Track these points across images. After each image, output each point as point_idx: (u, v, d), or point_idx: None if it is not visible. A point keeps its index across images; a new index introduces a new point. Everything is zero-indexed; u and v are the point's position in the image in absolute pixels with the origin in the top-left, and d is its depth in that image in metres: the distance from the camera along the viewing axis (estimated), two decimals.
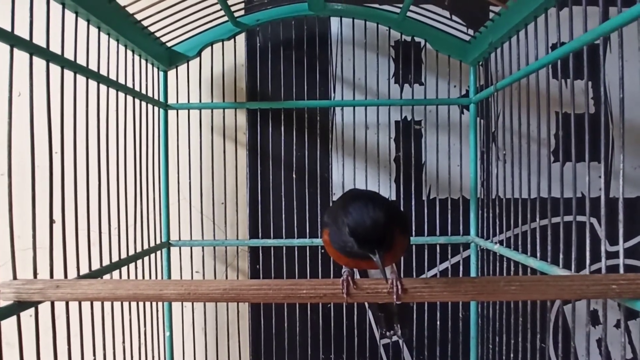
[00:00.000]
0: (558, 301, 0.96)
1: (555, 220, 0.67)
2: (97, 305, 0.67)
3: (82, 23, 0.66)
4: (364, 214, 0.45)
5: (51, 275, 0.56)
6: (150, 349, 0.87)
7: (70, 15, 0.63)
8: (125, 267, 0.77)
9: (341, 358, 1.06)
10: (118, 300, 0.51)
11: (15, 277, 0.51)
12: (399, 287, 0.49)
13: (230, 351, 1.04)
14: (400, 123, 1.07)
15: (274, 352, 1.05)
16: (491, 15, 0.88)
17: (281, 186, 1.03)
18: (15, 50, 0.51)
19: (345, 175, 1.07)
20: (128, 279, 0.76)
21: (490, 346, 0.94)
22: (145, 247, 0.86)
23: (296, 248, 1.02)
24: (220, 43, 0.99)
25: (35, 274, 0.54)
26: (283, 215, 1.03)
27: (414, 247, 1.01)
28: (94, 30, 0.69)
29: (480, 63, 0.98)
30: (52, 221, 0.56)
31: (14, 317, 0.50)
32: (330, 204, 0.99)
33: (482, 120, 1.02)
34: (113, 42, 0.75)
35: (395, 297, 0.48)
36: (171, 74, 0.99)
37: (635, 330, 1.04)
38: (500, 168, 0.86)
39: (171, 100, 0.99)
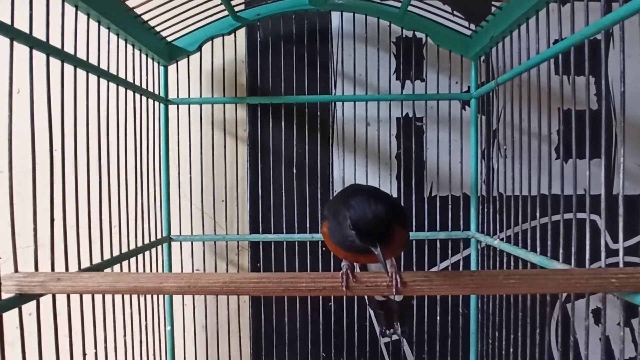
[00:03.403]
0: (559, 300, 0.96)
1: (555, 217, 0.67)
2: (98, 299, 0.68)
3: (82, 17, 0.66)
4: (366, 208, 0.45)
5: (52, 270, 0.56)
6: (151, 343, 0.87)
7: (70, 9, 0.63)
8: (126, 261, 0.77)
9: (341, 355, 1.06)
10: (119, 293, 0.51)
11: (16, 271, 0.52)
12: (398, 280, 0.49)
13: (230, 347, 1.04)
14: (401, 120, 1.07)
15: (274, 348, 1.05)
16: (492, 9, 0.87)
17: (282, 181, 1.03)
18: (15, 43, 0.51)
19: (346, 171, 1.07)
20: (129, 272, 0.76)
21: (490, 341, 0.94)
22: (146, 241, 0.86)
23: (297, 243, 1.02)
24: (221, 38, 0.98)
25: (36, 269, 0.54)
26: (283, 211, 1.03)
27: (414, 243, 1.01)
28: (94, 24, 0.69)
29: (482, 58, 0.98)
30: (52, 219, 0.57)
31: (16, 310, 0.50)
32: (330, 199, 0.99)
33: (483, 117, 1.02)
34: (113, 37, 0.75)
35: (394, 290, 0.48)
36: (171, 68, 0.99)
37: (638, 328, 1.04)
38: (501, 165, 0.85)
39: (171, 95, 0.99)
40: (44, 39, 0.56)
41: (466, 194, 1.05)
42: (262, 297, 1.05)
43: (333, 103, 1.07)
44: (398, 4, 0.94)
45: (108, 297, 0.71)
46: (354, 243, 0.47)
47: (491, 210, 0.94)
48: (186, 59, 0.99)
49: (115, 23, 0.71)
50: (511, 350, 0.81)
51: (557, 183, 0.63)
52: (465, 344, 1.03)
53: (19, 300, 0.50)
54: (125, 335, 0.77)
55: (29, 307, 0.51)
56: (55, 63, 0.59)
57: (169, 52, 0.96)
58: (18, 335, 0.50)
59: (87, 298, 0.64)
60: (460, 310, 1.06)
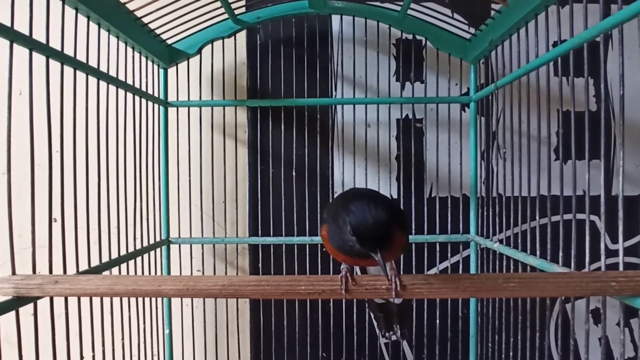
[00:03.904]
0: (558, 300, 0.95)
1: (555, 218, 0.67)
2: (96, 302, 0.67)
3: (82, 19, 0.66)
4: (366, 213, 0.45)
5: (50, 272, 0.56)
6: (149, 347, 0.87)
7: (70, 12, 0.63)
8: (125, 264, 0.77)
9: (341, 356, 1.06)
10: (117, 295, 0.51)
11: (14, 273, 0.51)
12: (398, 283, 0.49)
13: (229, 349, 1.04)
14: (400, 121, 1.07)
15: (274, 350, 1.05)
16: (492, 12, 0.87)
17: (281, 184, 1.03)
18: (15, 45, 0.51)
19: (346, 174, 1.07)
20: (127, 275, 0.76)
21: (490, 344, 0.94)
22: (145, 244, 0.86)
23: (296, 246, 1.01)
24: (221, 41, 0.99)
25: (34, 271, 0.54)
26: (283, 213, 1.03)
27: (413, 245, 1.01)
28: (94, 26, 0.69)
29: (481, 61, 0.98)
30: (51, 220, 0.56)
31: (13, 313, 0.50)
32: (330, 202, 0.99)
33: (482, 119, 1.02)
34: (113, 39, 0.75)
35: (393, 293, 0.48)
36: (171, 71, 0.99)
37: (637, 329, 1.04)
38: (500, 166, 0.85)
39: (171, 97, 1.00)
40: (44, 41, 0.56)
41: (466, 195, 1.05)
42: (262, 300, 1.05)
43: (333, 105, 1.07)
44: (398, 7, 0.94)
45: (106, 299, 0.70)
46: (354, 248, 0.47)
47: (490, 211, 0.94)
48: (186, 62, 0.99)
49: (115, 25, 0.71)
50: (511, 353, 0.81)
51: (556, 184, 0.63)
52: (464, 347, 1.03)
53: (16, 302, 0.50)
54: (123, 339, 0.77)
55: (27, 309, 0.51)
56: (55, 65, 0.59)
57: (169, 55, 0.96)
58: (15, 338, 0.50)
59: (85, 300, 0.64)
60: (460, 313, 1.06)
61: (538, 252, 0.69)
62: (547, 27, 0.65)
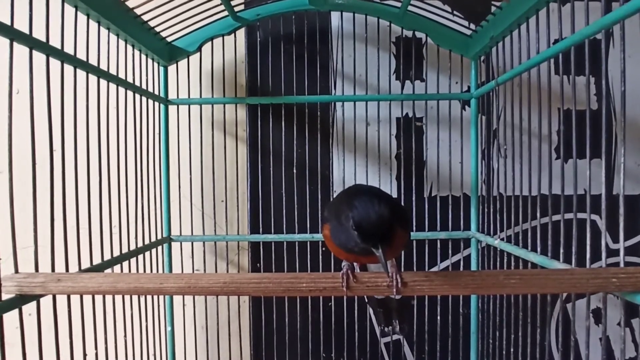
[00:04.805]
0: (559, 300, 0.96)
1: (556, 217, 0.67)
2: (98, 300, 0.68)
3: (82, 17, 0.66)
4: (369, 209, 0.45)
5: (52, 271, 0.56)
6: (152, 344, 0.87)
7: (70, 10, 0.63)
8: (127, 262, 0.77)
9: (342, 355, 1.06)
10: (119, 293, 0.51)
11: (17, 272, 0.52)
12: (399, 280, 0.49)
13: (231, 348, 1.04)
14: (401, 120, 1.07)
15: (275, 348, 1.05)
16: (493, 9, 0.87)
17: (282, 181, 1.03)
18: (15, 44, 0.51)
19: (346, 172, 1.07)
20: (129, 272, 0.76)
21: (491, 341, 0.94)
22: (147, 242, 0.86)
23: (297, 243, 1.02)
24: (221, 38, 0.98)
25: (37, 269, 0.54)
26: (284, 211, 1.03)
27: (414, 243, 1.01)
28: (93, 24, 0.69)
29: (482, 58, 0.98)
30: (53, 218, 0.57)
31: (16, 311, 0.50)
32: (331, 200, 0.99)
33: (483, 117, 1.01)
34: (113, 37, 0.75)
35: (394, 290, 0.48)
36: (171, 69, 0.99)
37: (638, 328, 1.04)
38: (501, 165, 0.85)
39: (171, 95, 0.99)
40: (43, 39, 0.56)
41: (466, 194, 1.05)
42: (263, 298, 1.05)
43: (333, 103, 1.06)
44: (398, 4, 0.94)
45: (108, 297, 0.71)
46: (356, 244, 0.47)
47: (491, 210, 0.94)
48: (186, 60, 0.99)
49: (115, 23, 0.71)
50: (512, 350, 0.81)
51: (557, 183, 0.63)
52: (465, 344, 1.03)
53: (19, 301, 0.50)
54: (125, 336, 0.77)
55: (28, 308, 0.51)
56: (55, 63, 0.59)
57: (169, 53, 0.96)
58: (18, 336, 0.50)
59: (87, 298, 0.64)
60: (461, 310, 1.06)
61: (539, 250, 0.69)
62: (548, 23, 0.65)
